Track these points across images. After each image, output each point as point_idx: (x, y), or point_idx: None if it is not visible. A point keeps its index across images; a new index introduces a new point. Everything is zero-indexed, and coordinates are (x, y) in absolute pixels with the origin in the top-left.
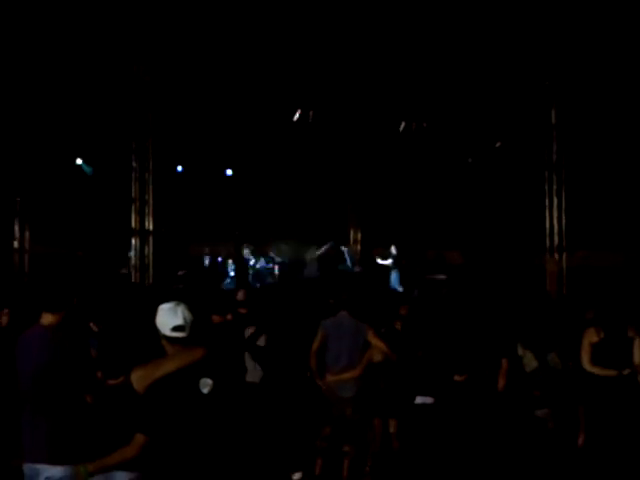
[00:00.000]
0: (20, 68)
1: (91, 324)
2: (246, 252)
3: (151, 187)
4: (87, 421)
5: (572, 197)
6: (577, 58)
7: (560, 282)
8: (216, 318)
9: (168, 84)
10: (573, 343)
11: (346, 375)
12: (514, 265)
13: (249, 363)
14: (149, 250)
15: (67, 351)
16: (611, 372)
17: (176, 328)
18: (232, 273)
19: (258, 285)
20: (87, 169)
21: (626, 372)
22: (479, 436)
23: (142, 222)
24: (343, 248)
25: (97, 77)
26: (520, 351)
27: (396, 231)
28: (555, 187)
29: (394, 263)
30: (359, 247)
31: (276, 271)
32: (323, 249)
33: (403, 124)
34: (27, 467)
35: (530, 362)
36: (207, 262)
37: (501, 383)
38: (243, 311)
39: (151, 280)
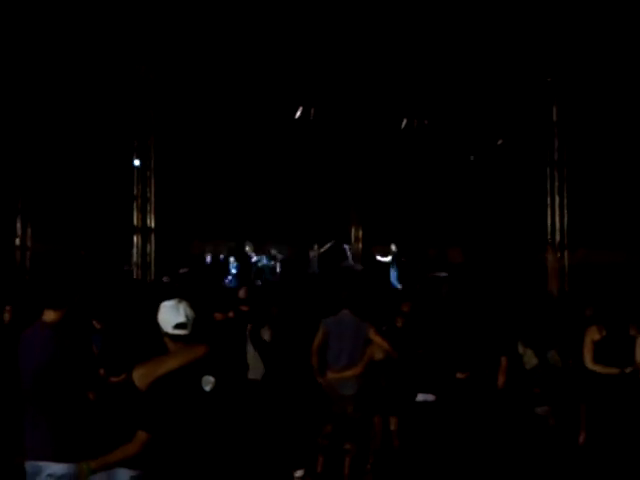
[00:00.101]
0: (23, 66)
1: (94, 321)
2: (248, 249)
3: (153, 185)
4: (89, 418)
5: (573, 195)
6: (578, 55)
7: (561, 280)
8: (218, 315)
9: (170, 82)
10: (574, 341)
11: (347, 373)
12: (515, 263)
13: (251, 360)
14: (151, 247)
15: (69, 348)
16: (613, 370)
17: (178, 325)
18: (234, 271)
19: (259, 282)
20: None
21: (628, 370)
22: (480, 434)
23: (144, 220)
24: (345, 246)
25: (99, 75)
26: (520, 349)
27: (398, 229)
28: (556, 184)
29: (394, 260)
30: (360, 245)
31: (278, 268)
32: (325, 247)
33: (405, 121)
34: (29, 464)
35: (530, 360)
36: (209, 260)
37: (501, 380)
38: (245, 309)
39: (152, 277)
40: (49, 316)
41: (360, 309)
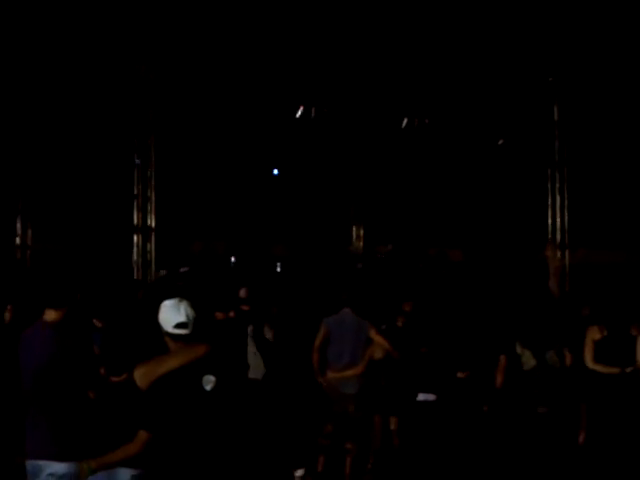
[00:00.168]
0: (23, 65)
1: (94, 320)
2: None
3: (153, 184)
4: (90, 418)
5: (574, 195)
6: (580, 55)
7: (562, 280)
8: (219, 315)
9: (170, 81)
10: (574, 340)
11: (348, 372)
12: (516, 262)
13: (251, 360)
14: (151, 247)
15: (70, 348)
16: (614, 370)
17: (179, 325)
18: None
19: None
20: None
21: (629, 370)
22: (480, 433)
23: (144, 219)
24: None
25: (99, 74)
26: (519, 349)
27: (398, 228)
28: (557, 185)
29: (392, 259)
30: (362, 244)
31: (278, 269)
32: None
33: (406, 121)
34: (30, 464)
35: (528, 360)
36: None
37: (499, 380)
38: (246, 308)
39: (153, 277)
40: (50, 315)
41: (361, 308)
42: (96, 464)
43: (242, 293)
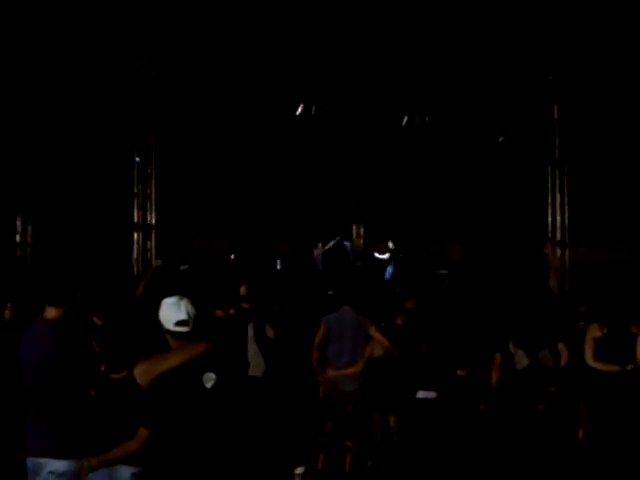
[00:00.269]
0: (23, 63)
1: (95, 318)
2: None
3: (153, 182)
4: (90, 415)
5: (575, 192)
6: (580, 53)
7: (562, 277)
8: (219, 312)
9: (170, 79)
10: (572, 338)
11: (348, 370)
12: (516, 260)
13: (252, 357)
14: (151, 244)
15: (70, 345)
16: (614, 367)
17: (179, 323)
18: None
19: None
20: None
21: (629, 368)
22: (480, 431)
23: (144, 217)
24: (345, 243)
25: (100, 72)
26: (512, 349)
27: (398, 226)
28: (557, 182)
29: (392, 257)
30: (362, 242)
31: (278, 266)
32: (330, 244)
33: (406, 119)
34: (30, 461)
35: (521, 360)
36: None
37: (494, 377)
38: (246, 306)
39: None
40: (50, 313)
41: (361, 306)
42: (96, 461)
43: (242, 290)
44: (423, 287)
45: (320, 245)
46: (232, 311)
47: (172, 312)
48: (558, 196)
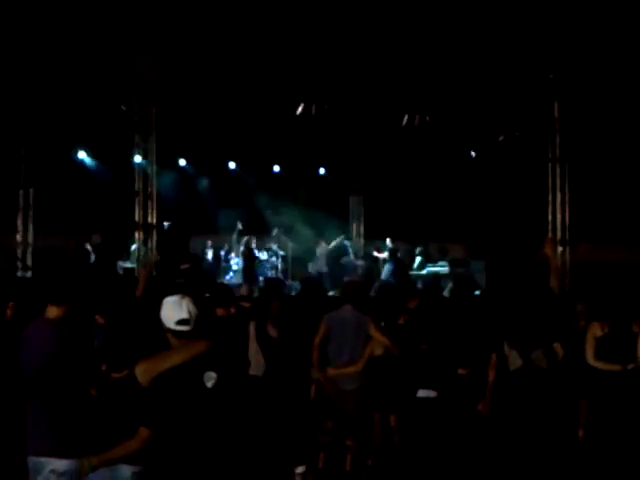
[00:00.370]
0: (25, 61)
1: (96, 317)
2: (253, 245)
3: (154, 181)
4: (91, 414)
5: (575, 191)
6: (580, 52)
7: (563, 276)
8: (219, 311)
9: (171, 77)
10: (573, 337)
11: (348, 369)
12: (517, 259)
13: (252, 357)
14: (152, 243)
15: (71, 344)
16: (615, 367)
17: (181, 322)
18: (235, 267)
19: (261, 278)
20: (90, 162)
21: (630, 367)
22: (480, 430)
23: (145, 216)
24: (346, 242)
25: (101, 70)
26: (506, 350)
27: (399, 225)
28: (558, 181)
29: (389, 256)
30: (362, 240)
31: (279, 265)
32: (335, 243)
33: (406, 117)
34: (31, 460)
35: (515, 361)
36: (210, 256)
37: (491, 377)
38: (246, 305)
39: (154, 273)
40: (52, 312)
41: (362, 305)
42: (97, 461)
43: (243, 289)
44: (424, 287)
45: (323, 244)
46: (233, 310)
47: (173, 311)
48: (559, 194)
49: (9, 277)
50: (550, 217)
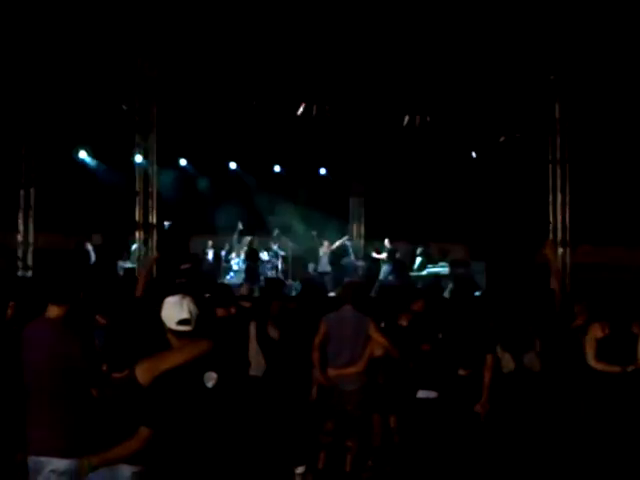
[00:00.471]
0: (25, 60)
1: (97, 317)
2: (255, 245)
3: (155, 180)
4: (92, 414)
5: (576, 192)
6: (581, 53)
7: (563, 277)
8: (220, 311)
9: (172, 77)
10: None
11: (348, 370)
12: (517, 260)
13: (252, 357)
14: (153, 243)
15: (72, 344)
16: (615, 368)
17: (182, 322)
18: (236, 267)
19: (262, 278)
20: (91, 162)
21: (630, 369)
22: (480, 431)
23: (145, 215)
24: (347, 242)
25: (102, 70)
26: (499, 352)
27: (399, 225)
28: (559, 182)
29: (388, 257)
30: (362, 241)
31: (280, 265)
32: (338, 243)
33: (407, 118)
34: (32, 460)
35: (508, 364)
36: (210, 256)
37: (487, 377)
38: (247, 305)
39: (155, 273)
40: (53, 312)
41: (362, 305)
42: (97, 460)
43: (243, 289)
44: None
45: (326, 244)
46: (233, 310)
47: (174, 311)
48: (559, 196)
49: (10, 277)
50: (551, 218)
